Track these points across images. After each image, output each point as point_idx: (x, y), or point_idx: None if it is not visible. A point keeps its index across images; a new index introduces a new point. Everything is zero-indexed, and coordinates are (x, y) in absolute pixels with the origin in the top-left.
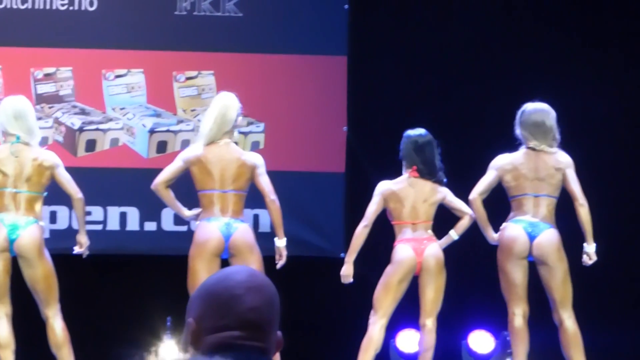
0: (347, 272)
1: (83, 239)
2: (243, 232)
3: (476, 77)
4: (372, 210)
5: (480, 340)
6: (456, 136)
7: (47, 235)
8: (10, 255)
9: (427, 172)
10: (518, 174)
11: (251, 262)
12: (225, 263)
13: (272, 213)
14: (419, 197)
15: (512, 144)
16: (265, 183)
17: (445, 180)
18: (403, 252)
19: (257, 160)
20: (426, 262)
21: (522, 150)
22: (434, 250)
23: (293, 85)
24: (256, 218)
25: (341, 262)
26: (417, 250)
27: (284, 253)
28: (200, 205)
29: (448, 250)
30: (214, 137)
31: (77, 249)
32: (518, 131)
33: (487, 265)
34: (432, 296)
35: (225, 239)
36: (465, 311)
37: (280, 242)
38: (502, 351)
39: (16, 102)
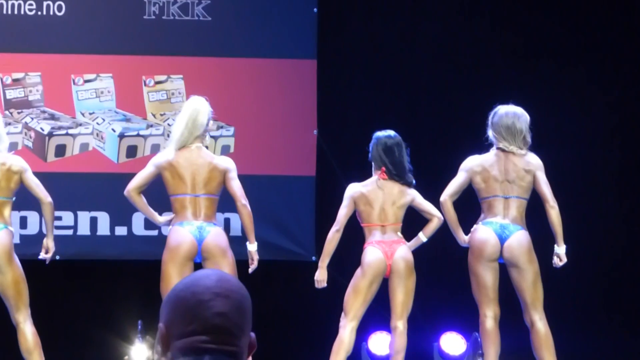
0: (321, 277)
1: (50, 244)
2: (215, 235)
3: (446, 80)
4: (343, 213)
5: (452, 342)
6: (426, 138)
7: (17, 240)
8: None
9: (395, 174)
10: (488, 175)
11: (224, 266)
12: (198, 267)
13: (243, 218)
14: (387, 200)
15: (482, 145)
16: (236, 187)
17: (414, 182)
18: (372, 254)
19: (228, 164)
20: (396, 264)
21: (493, 151)
22: (404, 252)
23: (263, 89)
24: (227, 222)
25: (313, 266)
26: (387, 253)
27: (256, 257)
28: (173, 209)
29: (418, 253)
30: (185, 141)
31: (42, 255)
32: (489, 132)
33: (457, 268)
34: (402, 299)
35: (198, 243)
36: (436, 313)
37: (252, 247)
38: (474, 352)
39: None
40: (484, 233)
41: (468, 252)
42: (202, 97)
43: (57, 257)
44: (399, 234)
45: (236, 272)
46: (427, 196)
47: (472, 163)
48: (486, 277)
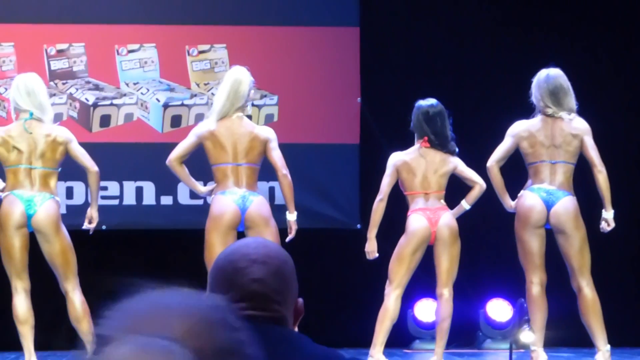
0: (370, 248)
1: (95, 214)
2: (258, 204)
3: (490, 45)
4: (387, 182)
5: (498, 309)
6: (470, 104)
7: (63, 210)
8: (28, 230)
9: (437, 143)
10: (535, 140)
11: (266, 235)
12: (241, 235)
13: (284, 187)
14: (430, 168)
15: (527, 112)
16: (277, 157)
17: (456, 150)
18: (417, 222)
19: (269, 134)
20: (440, 231)
21: (539, 116)
22: (448, 219)
23: (306, 57)
24: (272, 190)
25: (357, 233)
26: (431, 220)
27: (294, 227)
28: (215, 179)
29: (463, 219)
30: (227, 112)
31: (86, 225)
32: (534, 98)
33: (502, 234)
34: (447, 266)
35: (241, 212)
36: (482, 280)
37: (291, 216)
38: (520, 319)
39: (28, 79)
40: (530, 199)
41: (515, 218)
42: (244, 66)
43: (103, 227)
44: (442, 201)
45: (279, 240)
46: (470, 163)
47: (518, 128)
48: (532, 244)
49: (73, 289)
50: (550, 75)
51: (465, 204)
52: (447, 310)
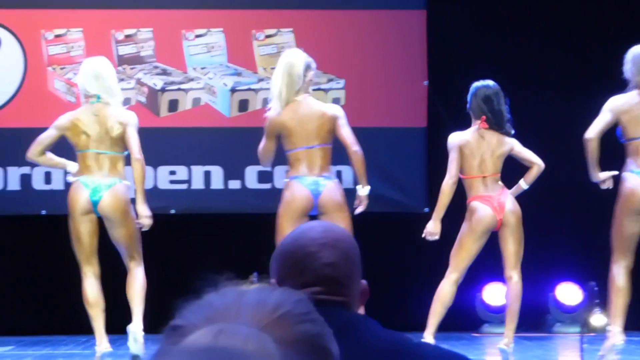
0: (434, 229)
1: (142, 209)
2: (332, 189)
3: (559, 27)
4: (455, 164)
5: (568, 292)
6: (531, 90)
7: (132, 194)
8: (96, 216)
9: (495, 123)
10: (634, 114)
11: (340, 220)
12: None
13: (356, 163)
14: (487, 150)
15: (590, 97)
16: (347, 134)
17: (513, 132)
18: (482, 211)
19: (337, 111)
20: (506, 218)
21: (635, 91)
22: (512, 205)
23: (372, 40)
24: (338, 175)
25: (425, 217)
26: (496, 208)
27: (365, 201)
28: (288, 164)
29: (533, 204)
30: (288, 96)
31: (140, 221)
32: (629, 72)
33: (573, 217)
34: (515, 248)
35: (314, 197)
36: (551, 263)
37: (364, 190)
38: (590, 302)
39: (95, 63)
40: (634, 182)
41: (616, 198)
42: (299, 48)
43: (172, 211)
44: (500, 182)
45: (352, 226)
46: (530, 146)
47: (617, 102)
48: (629, 228)
49: (136, 266)
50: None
51: (523, 184)
52: (517, 293)
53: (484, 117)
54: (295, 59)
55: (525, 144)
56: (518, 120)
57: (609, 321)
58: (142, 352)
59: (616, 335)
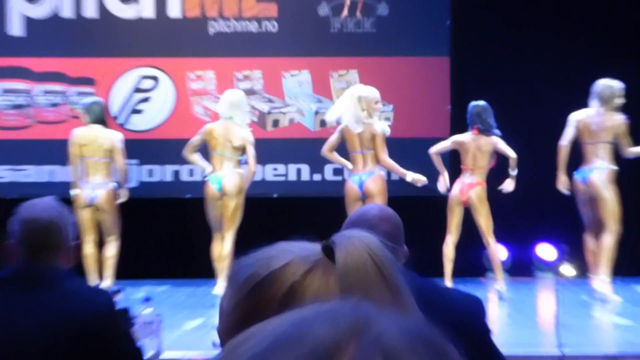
0: (421, 178)
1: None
2: (372, 180)
3: (575, 67)
4: (442, 146)
5: (546, 250)
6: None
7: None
8: (220, 194)
9: (484, 130)
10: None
11: (378, 202)
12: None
13: (388, 168)
14: (477, 148)
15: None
16: (379, 146)
17: (500, 134)
18: (453, 190)
19: (377, 128)
20: (470, 199)
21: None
22: (475, 191)
23: (410, 77)
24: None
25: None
26: (462, 190)
27: (419, 177)
28: (350, 161)
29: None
30: (352, 115)
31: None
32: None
33: (553, 195)
34: (483, 222)
35: (359, 187)
36: (533, 228)
37: (409, 176)
38: (562, 258)
39: (229, 93)
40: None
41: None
42: (362, 84)
43: (275, 195)
44: (484, 175)
45: (387, 203)
46: (542, 147)
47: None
48: (585, 212)
49: (229, 236)
50: None
51: (511, 172)
52: (494, 252)
53: (475, 126)
54: (354, 90)
55: (512, 143)
56: (517, 122)
57: (579, 273)
58: None
59: (596, 280)
